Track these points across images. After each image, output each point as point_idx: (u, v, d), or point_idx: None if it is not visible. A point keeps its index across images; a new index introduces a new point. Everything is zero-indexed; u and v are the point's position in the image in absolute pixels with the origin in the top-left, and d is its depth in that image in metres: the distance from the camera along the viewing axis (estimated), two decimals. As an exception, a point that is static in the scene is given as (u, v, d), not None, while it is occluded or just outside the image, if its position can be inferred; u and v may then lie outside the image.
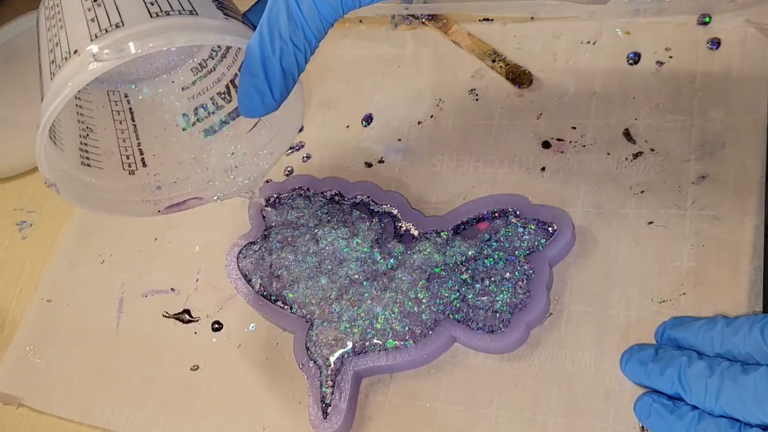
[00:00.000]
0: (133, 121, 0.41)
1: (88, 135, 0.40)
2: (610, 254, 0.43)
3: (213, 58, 0.41)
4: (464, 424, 0.41)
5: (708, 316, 0.37)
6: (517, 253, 0.43)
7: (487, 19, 0.54)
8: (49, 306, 0.54)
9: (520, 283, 0.42)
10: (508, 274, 0.42)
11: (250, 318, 0.48)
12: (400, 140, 0.51)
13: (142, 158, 0.42)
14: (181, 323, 0.50)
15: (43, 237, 0.58)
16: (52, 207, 0.60)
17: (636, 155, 0.45)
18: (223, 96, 0.42)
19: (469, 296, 0.42)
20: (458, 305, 0.42)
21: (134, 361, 0.50)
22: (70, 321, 0.53)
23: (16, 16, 0.70)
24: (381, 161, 0.51)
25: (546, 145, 0.48)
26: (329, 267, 0.45)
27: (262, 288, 0.47)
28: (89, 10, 0.33)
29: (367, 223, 0.46)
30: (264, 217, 0.49)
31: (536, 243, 0.43)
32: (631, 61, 0.48)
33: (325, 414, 0.42)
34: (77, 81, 0.32)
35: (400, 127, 0.52)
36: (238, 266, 0.48)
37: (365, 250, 0.45)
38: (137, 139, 0.41)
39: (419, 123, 0.52)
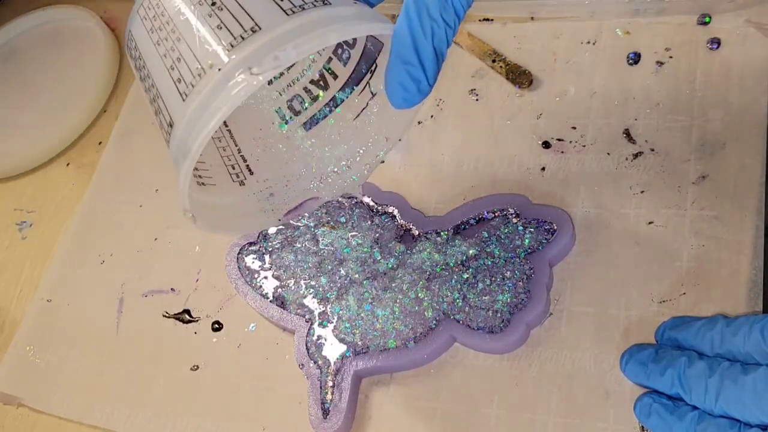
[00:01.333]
0: (227, 126, 0.37)
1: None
2: (610, 254, 0.43)
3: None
4: (464, 424, 0.41)
5: (708, 316, 0.37)
6: (517, 252, 0.43)
7: (487, 19, 0.54)
8: (49, 306, 0.54)
9: (520, 283, 0.42)
10: (508, 273, 0.42)
11: (250, 318, 0.48)
12: (400, 140, 0.51)
13: (247, 165, 0.38)
14: (181, 323, 0.50)
15: (43, 237, 0.58)
16: (52, 207, 0.60)
17: (636, 155, 0.45)
18: (318, 83, 0.38)
19: (470, 296, 0.42)
20: (458, 305, 0.42)
21: (134, 361, 0.50)
22: (70, 321, 0.53)
23: (16, 16, 0.70)
24: (381, 161, 0.51)
25: (546, 145, 0.47)
26: (329, 267, 0.45)
27: (262, 288, 0.47)
28: (210, 15, 0.29)
29: (367, 223, 0.46)
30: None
31: (536, 243, 0.43)
32: (631, 61, 0.48)
33: (325, 414, 0.42)
34: (232, 102, 0.27)
35: (400, 127, 0.52)
36: (238, 266, 0.48)
37: (365, 250, 0.45)
38: (236, 146, 0.38)
39: (419, 123, 0.52)
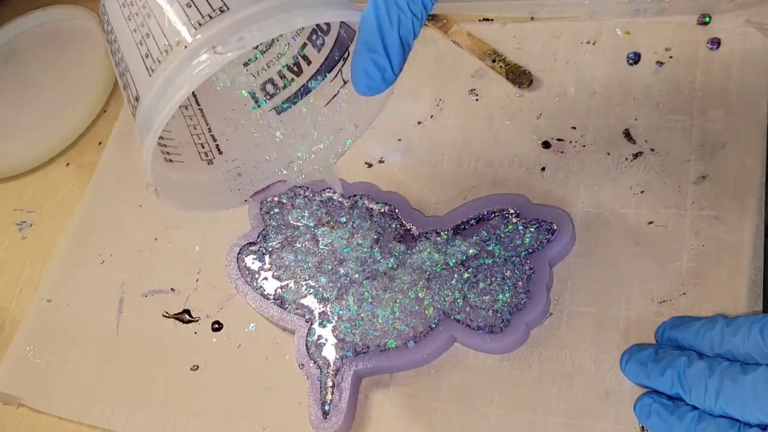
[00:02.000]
0: (198, 105, 0.38)
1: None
2: (610, 254, 0.43)
3: None
4: (464, 424, 0.41)
5: (708, 316, 0.37)
6: (517, 252, 0.43)
7: (487, 19, 0.54)
8: (49, 306, 0.54)
9: (520, 283, 0.42)
10: (508, 273, 0.42)
11: (250, 318, 0.48)
12: (400, 140, 0.51)
13: (217, 145, 0.38)
14: (181, 323, 0.50)
15: (43, 237, 0.58)
16: (52, 207, 0.60)
17: (636, 155, 0.45)
18: (292, 69, 0.38)
19: (470, 296, 0.42)
20: (458, 305, 0.42)
21: (134, 361, 0.50)
22: (70, 321, 0.53)
23: (16, 16, 0.70)
24: (381, 161, 0.51)
25: (546, 145, 0.47)
26: (329, 267, 0.45)
27: (261, 288, 0.47)
28: None
29: (367, 223, 0.46)
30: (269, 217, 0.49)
31: (536, 243, 0.43)
32: (631, 61, 0.48)
33: (325, 414, 0.42)
34: (195, 79, 0.28)
35: (400, 127, 0.52)
36: (238, 266, 0.48)
37: (365, 250, 0.45)
38: (207, 125, 0.38)
39: (419, 123, 0.52)
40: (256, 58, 0.38)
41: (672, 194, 0.43)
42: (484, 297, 0.42)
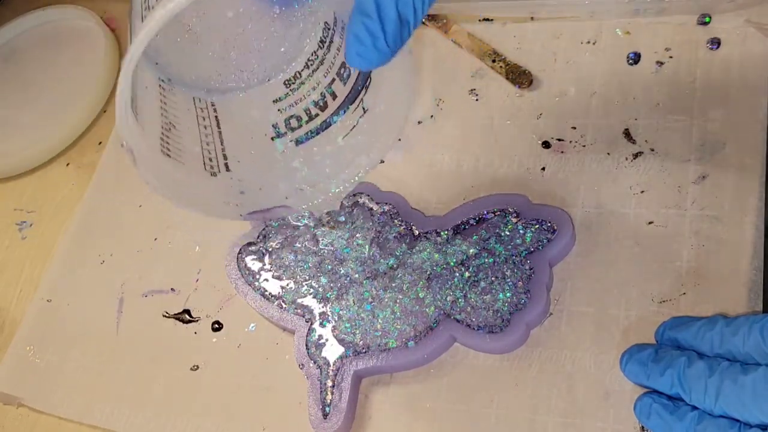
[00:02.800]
0: (219, 128, 0.38)
1: (170, 129, 0.36)
2: (610, 254, 0.43)
3: (308, 68, 0.38)
4: (464, 424, 0.41)
5: (708, 316, 0.37)
6: (517, 252, 0.43)
7: (487, 19, 0.54)
8: (49, 306, 0.54)
9: (520, 282, 0.42)
10: (508, 273, 0.42)
11: (250, 318, 0.48)
12: (400, 140, 0.51)
13: (226, 163, 0.38)
14: (181, 323, 0.50)
15: (43, 237, 0.58)
16: (52, 207, 0.60)
17: (636, 155, 0.45)
18: (317, 104, 0.38)
19: (470, 296, 0.42)
20: (459, 305, 0.42)
21: (134, 361, 0.50)
22: (70, 321, 0.53)
23: (16, 16, 0.70)
24: (381, 161, 0.51)
25: (546, 145, 0.48)
26: (329, 267, 0.45)
27: (262, 288, 0.47)
28: None
29: (367, 223, 0.46)
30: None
31: (536, 243, 0.43)
32: (631, 61, 0.48)
33: (325, 414, 0.42)
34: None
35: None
36: (238, 266, 0.48)
37: (365, 250, 0.45)
38: (221, 145, 0.38)
39: (419, 123, 0.52)
40: (286, 96, 0.38)
41: (672, 194, 0.43)
42: (485, 296, 0.42)
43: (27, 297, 0.56)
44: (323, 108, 0.38)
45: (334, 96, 0.38)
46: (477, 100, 0.51)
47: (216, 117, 0.37)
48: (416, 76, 0.34)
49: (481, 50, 0.52)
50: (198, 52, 0.35)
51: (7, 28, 0.69)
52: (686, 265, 0.41)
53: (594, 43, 0.50)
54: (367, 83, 0.38)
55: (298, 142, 0.39)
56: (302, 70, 0.38)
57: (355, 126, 0.39)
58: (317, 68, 0.37)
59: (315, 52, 0.37)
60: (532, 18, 0.52)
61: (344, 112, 0.39)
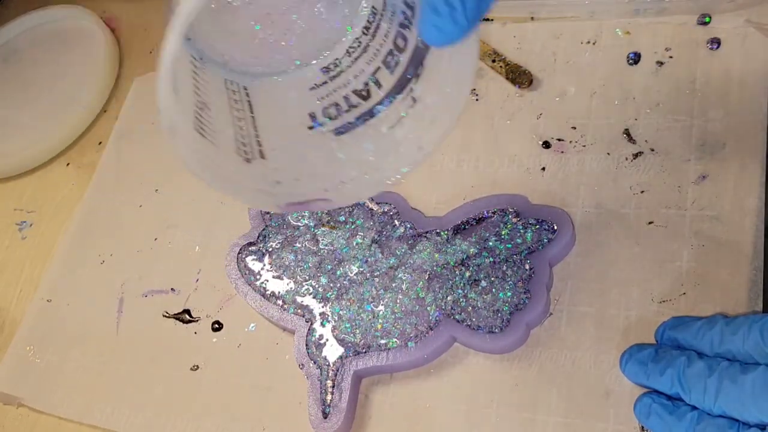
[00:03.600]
0: (252, 113, 0.35)
1: (203, 109, 0.33)
2: (610, 254, 0.43)
3: (350, 55, 0.35)
4: (464, 424, 0.41)
5: (708, 316, 0.37)
6: (517, 252, 0.43)
7: (487, 19, 0.54)
8: (49, 306, 0.54)
9: (520, 282, 0.42)
10: (509, 273, 0.42)
11: (250, 318, 0.48)
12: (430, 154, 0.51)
13: (260, 150, 0.35)
14: (181, 323, 0.50)
15: (43, 237, 0.58)
16: (52, 207, 0.60)
17: (636, 155, 0.45)
18: (359, 93, 0.36)
19: (471, 296, 0.42)
20: (459, 305, 0.42)
21: (134, 361, 0.50)
22: (70, 321, 0.53)
23: (16, 16, 0.70)
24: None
25: (546, 145, 0.47)
26: (329, 267, 0.45)
27: (262, 288, 0.47)
28: None
29: (367, 223, 0.46)
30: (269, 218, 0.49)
31: (536, 243, 0.43)
32: (631, 61, 0.48)
33: (325, 414, 0.42)
34: None
35: (400, 127, 0.52)
36: (238, 266, 0.48)
37: (365, 250, 0.45)
38: (255, 131, 0.35)
39: (419, 123, 0.52)
40: (324, 84, 0.36)
41: (672, 194, 0.43)
42: (485, 296, 0.42)
43: (27, 297, 0.56)
44: (366, 97, 0.36)
45: (378, 85, 0.36)
46: (477, 100, 0.51)
47: (249, 102, 0.35)
48: (477, 65, 0.32)
49: (481, 50, 0.52)
50: (234, 26, 0.33)
51: (7, 28, 0.69)
52: (686, 265, 0.41)
53: (594, 43, 0.50)
54: (419, 71, 0.35)
55: (338, 132, 0.36)
56: (342, 57, 0.35)
57: (402, 117, 0.36)
58: (360, 56, 0.35)
59: (358, 38, 0.35)
60: (532, 18, 0.52)
61: (390, 101, 0.36)
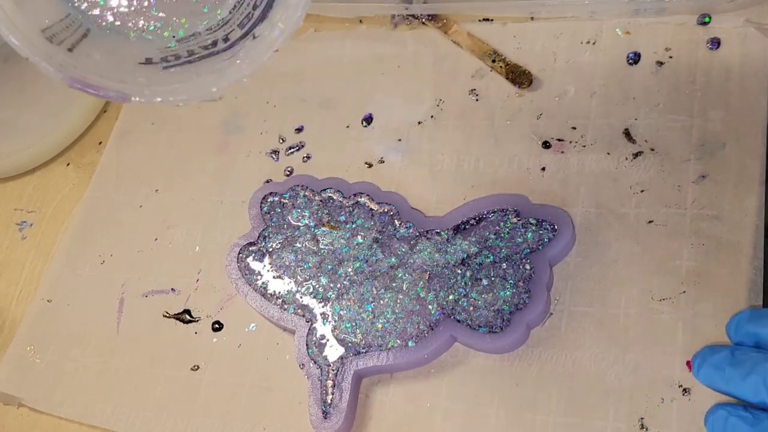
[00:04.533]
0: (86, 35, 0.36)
1: None
2: (610, 254, 0.43)
3: (210, 30, 0.36)
4: (464, 423, 0.41)
5: None
6: (517, 252, 0.43)
7: (487, 19, 0.54)
8: (49, 306, 0.54)
9: (520, 282, 0.42)
10: (509, 272, 0.42)
11: (250, 318, 0.48)
12: (400, 140, 0.51)
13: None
14: (182, 323, 0.50)
15: (43, 237, 0.58)
16: (52, 207, 0.60)
17: (636, 155, 0.45)
18: (206, 47, 0.36)
19: (471, 295, 0.42)
20: (460, 305, 0.42)
21: (134, 361, 0.50)
22: (70, 321, 0.53)
23: (16, 16, 0.70)
24: (381, 161, 0.51)
25: (546, 145, 0.48)
26: (329, 267, 0.45)
27: (262, 288, 0.47)
28: None
29: (368, 223, 0.46)
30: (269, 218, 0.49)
31: (536, 243, 0.43)
32: (631, 61, 0.48)
33: (325, 414, 0.42)
34: None
35: (400, 127, 0.52)
36: (238, 266, 0.48)
37: (365, 250, 0.45)
38: (81, 39, 0.36)
39: (419, 123, 0.52)
40: (169, 46, 0.36)
41: (672, 194, 0.43)
42: (486, 296, 0.42)
43: (27, 297, 0.56)
44: (209, 48, 0.36)
45: (226, 40, 0.36)
46: (477, 100, 0.51)
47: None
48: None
49: (481, 50, 0.52)
50: None
51: (7, 28, 0.69)
52: (686, 265, 0.41)
53: (594, 43, 0.50)
54: (266, 15, 0.36)
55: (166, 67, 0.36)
56: (202, 31, 0.36)
57: (239, 51, 0.36)
58: (219, 28, 0.36)
59: (223, 18, 0.36)
60: (532, 18, 0.53)
61: (231, 46, 0.36)
